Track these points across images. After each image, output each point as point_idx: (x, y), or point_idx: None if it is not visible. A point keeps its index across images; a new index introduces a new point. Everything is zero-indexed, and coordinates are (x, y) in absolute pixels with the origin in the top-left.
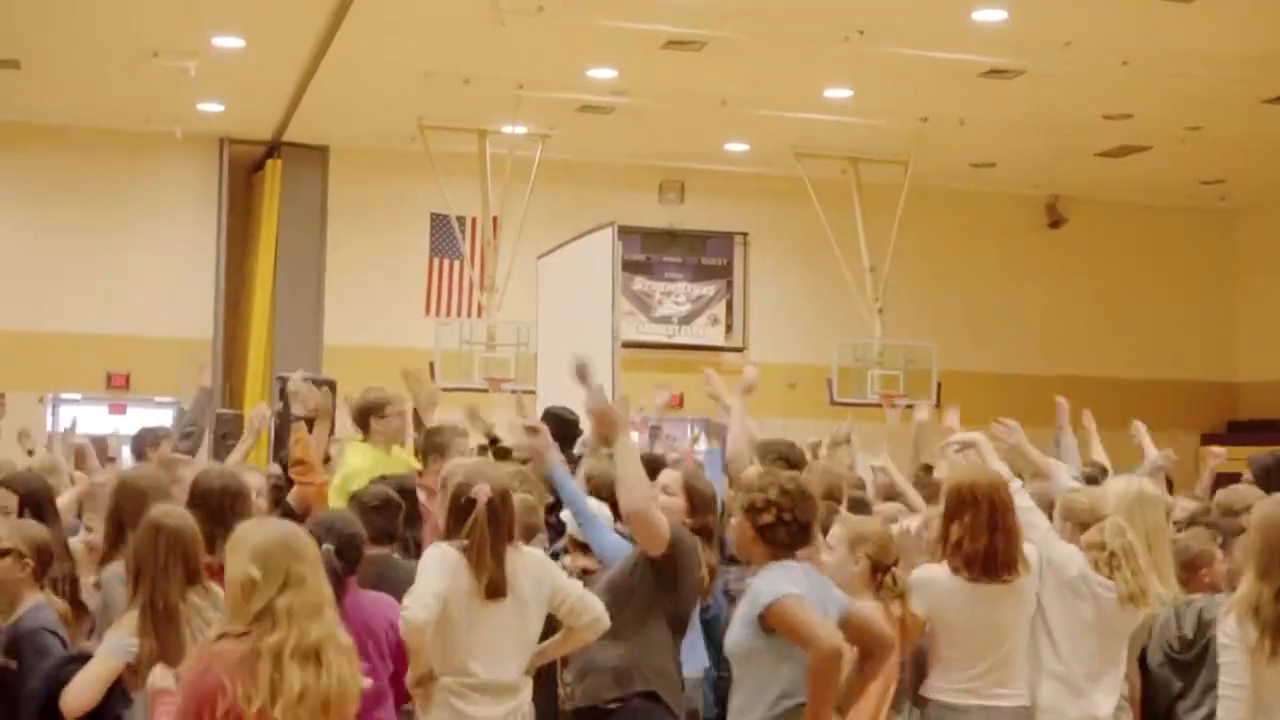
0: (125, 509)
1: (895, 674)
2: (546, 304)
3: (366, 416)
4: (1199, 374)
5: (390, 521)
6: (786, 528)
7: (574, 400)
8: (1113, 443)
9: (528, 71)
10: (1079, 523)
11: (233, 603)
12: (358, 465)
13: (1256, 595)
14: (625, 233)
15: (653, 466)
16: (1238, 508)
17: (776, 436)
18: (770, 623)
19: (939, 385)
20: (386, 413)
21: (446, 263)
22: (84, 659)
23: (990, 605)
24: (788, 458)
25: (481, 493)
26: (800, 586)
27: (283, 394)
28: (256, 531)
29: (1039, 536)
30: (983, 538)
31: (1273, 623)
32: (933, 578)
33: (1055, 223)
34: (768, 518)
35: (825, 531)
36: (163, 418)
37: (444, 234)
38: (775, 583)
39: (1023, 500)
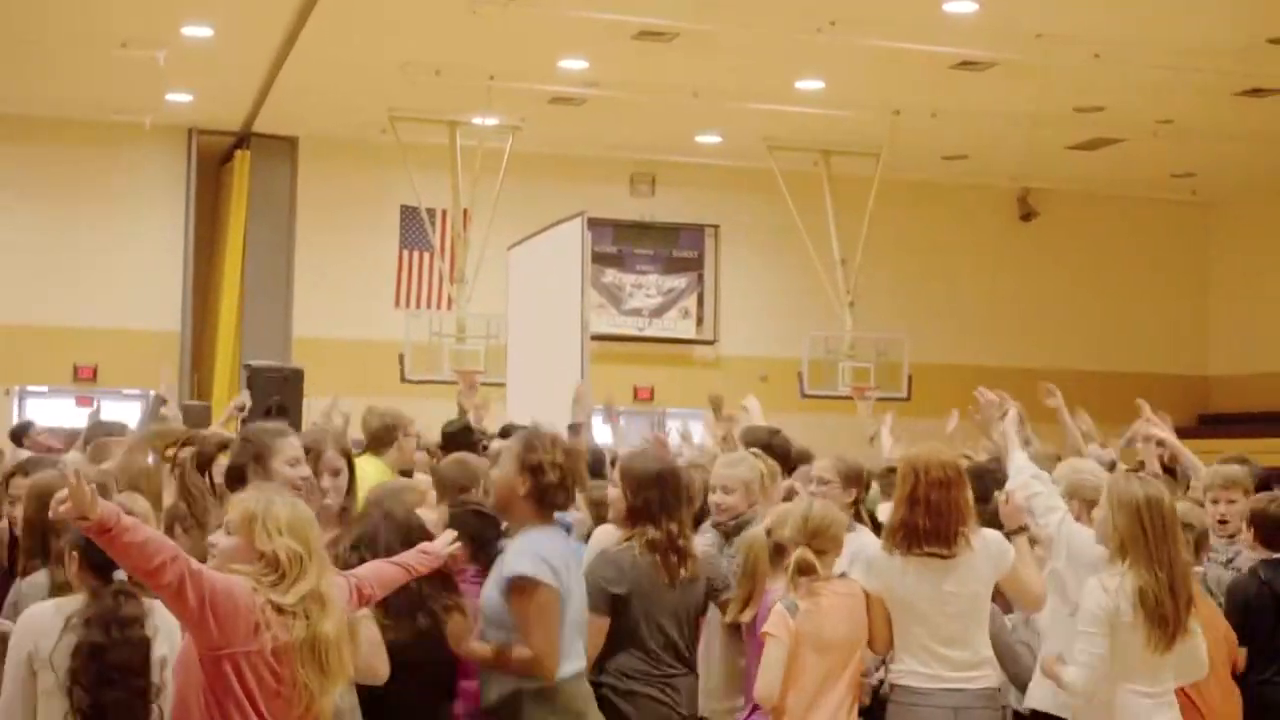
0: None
1: (860, 662)
2: (516, 296)
3: (389, 436)
4: (1170, 367)
5: None
6: (566, 492)
7: (550, 395)
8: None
9: (499, 62)
10: (1086, 500)
11: (273, 574)
12: (371, 477)
13: (1152, 588)
14: (596, 225)
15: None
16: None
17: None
18: (510, 596)
19: (910, 378)
20: (408, 434)
21: (416, 255)
22: None
23: (934, 581)
24: (771, 444)
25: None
26: (556, 562)
27: (250, 384)
28: (283, 504)
29: (1056, 519)
30: (926, 513)
31: (1161, 616)
32: (878, 555)
33: (1027, 215)
34: (552, 477)
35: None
36: (130, 410)
37: (414, 226)
38: (534, 557)
39: (1040, 485)
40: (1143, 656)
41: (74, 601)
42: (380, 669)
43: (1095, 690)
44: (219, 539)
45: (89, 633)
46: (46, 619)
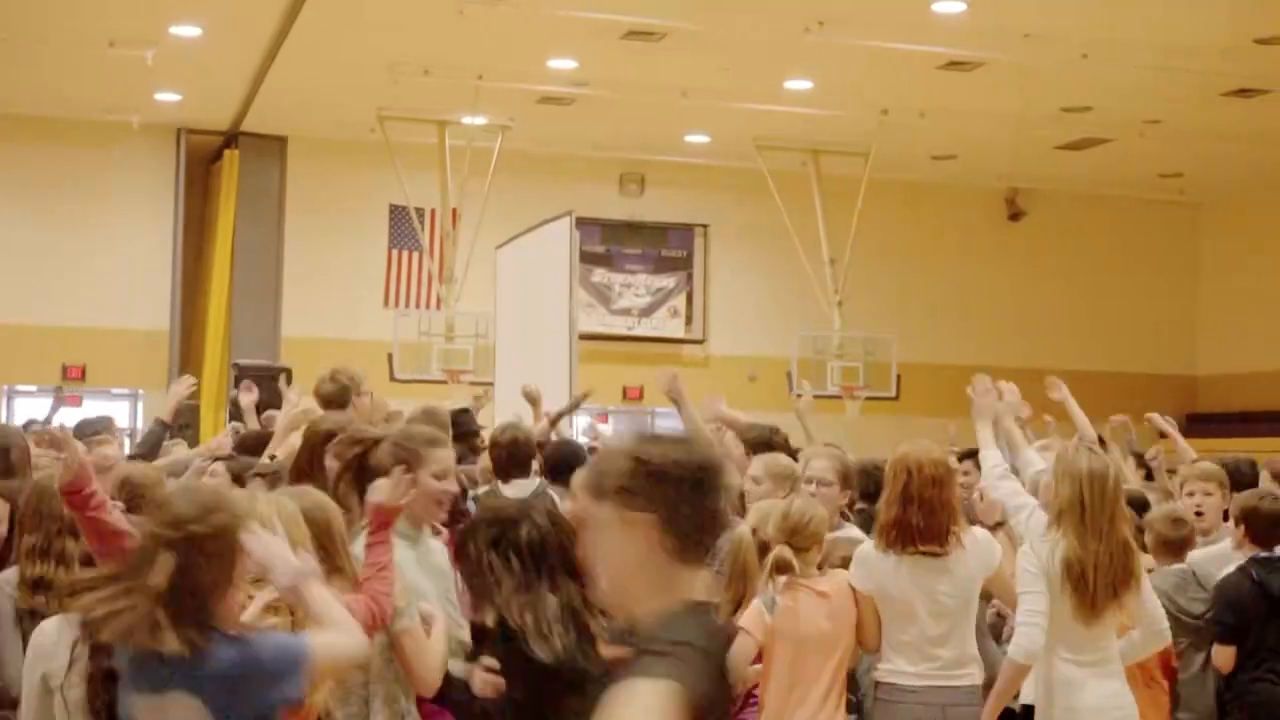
0: None
1: (848, 657)
2: (505, 295)
3: (342, 399)
4: (1158, 367)
5: None
6: None
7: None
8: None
9: (488, 62)
10: None
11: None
12: None
13: (1078, 557)
14: (585, 224)
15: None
16: None
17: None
18: None
19: (898, 378)
20: (363, 390)
21: (405, 254)
22: None
23: (926, 579)
24: (770, 442)
25: None
26: None
27: (238, 383)
28: (271, 501)
29: (1024, 516)
30: (920, 511)
31: (1083, 586)
32: (870, 552)
33: (1015, 215)
34: None
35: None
36: (119, 409)
37: (403, 225)
38: None
39: (1009, 482)
40: (1070, 625)
41: (77, 619)
42: (430, 679)
43: (1038, 649)
44: None
45: (101, 659)
46: (50, 640)
